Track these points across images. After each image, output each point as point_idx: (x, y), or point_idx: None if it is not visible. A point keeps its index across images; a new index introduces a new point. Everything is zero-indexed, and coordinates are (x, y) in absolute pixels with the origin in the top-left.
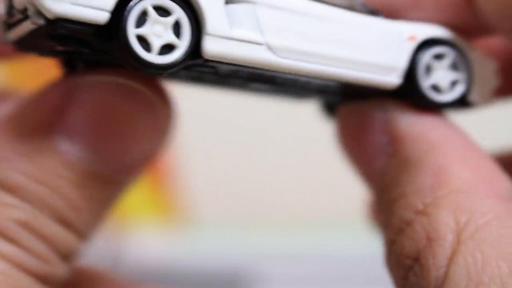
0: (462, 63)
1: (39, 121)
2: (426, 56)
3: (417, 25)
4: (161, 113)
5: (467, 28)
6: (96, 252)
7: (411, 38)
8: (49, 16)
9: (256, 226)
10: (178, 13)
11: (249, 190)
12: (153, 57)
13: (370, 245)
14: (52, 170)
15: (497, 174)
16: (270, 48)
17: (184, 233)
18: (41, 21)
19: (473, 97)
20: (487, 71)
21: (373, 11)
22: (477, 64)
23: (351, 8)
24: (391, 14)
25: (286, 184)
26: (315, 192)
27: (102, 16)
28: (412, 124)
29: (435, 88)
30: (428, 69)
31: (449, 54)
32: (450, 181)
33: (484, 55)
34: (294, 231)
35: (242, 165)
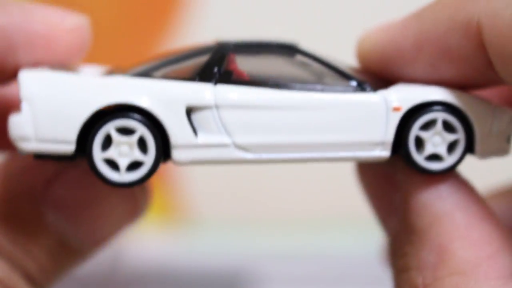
0: (458, 122)
1: (28, 190)
2: (414, 129)
3: (405, 90)
4: (138, 199)
5: (478, 79)
6: (96, 252)
7: (396, 109)
8: (22, 153)
9: (256, 226)
10: (141, 130)
11: (250, 190)
12: (121, 177)
13: (370, 245)
14: (32, 236)
15: (501, 249)
16: (238, 147)
17: (184, 233)
18: (22, 152)
19: (483, 149)
20: (499, 121)
21: (360, 84)
22: (483, 115)
23: (327, 87)
24: (394, 65)
25: (286, 184)
26: (316, 192)
27: (68, 148)
28: (420, 191)
29: (432, 157)
30: (420, 141)
31: (441, 117)
32: (451, 261)
33: (491, 104)
34: (295, 231)
35: (242, 165)
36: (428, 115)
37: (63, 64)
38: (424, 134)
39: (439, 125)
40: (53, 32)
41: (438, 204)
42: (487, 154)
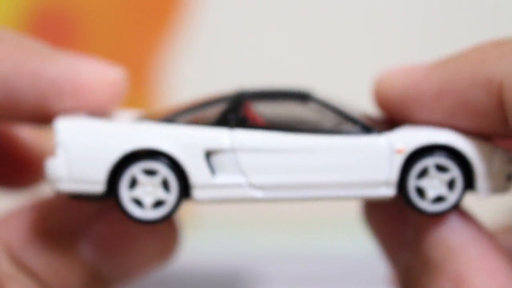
0: (450, 161)
1: (70, 225)
2: (412, 181)
3: (409, 133)
4: (168, 240)
5: (492, 132)
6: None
7: (399, 151)
8: (56, 192)
9: (257, 226)
10: (164, 172)
11: None
12: (146, 214)
13: (370, 246)
14: (69, 267)
15: None
16: (254, 187)
17: (183, 234)
18: (57, 192)
19: (484, 187)
20: (499, 161)
21: (367, 127)
22: (483, 155)
23: (336, 131)
24: (412, 109)
25: None
26: None
27: (98, 188)
28: (432, 226)
29: (436, 199)
30: (420, 190)
31: (431, 163)
32: None
33: (490, 144)
34: (296, 231)
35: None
36: (420, 165)
37: (99, 109)
38: (422, 183)
39: (432, 170)
40: (97, 84)
41: (451, 237)
42: (488, 192)
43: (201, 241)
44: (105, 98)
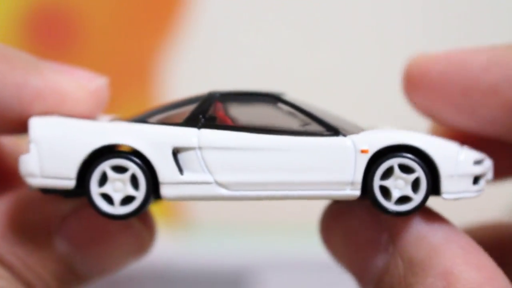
0: (413, 162)
1: (45, 221)
2: (376, 181)
3: (374, 134)
4: (143, 236)
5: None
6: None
7: (364, 151)
8: (30, 187)
9: (254, 230)
10: (133, 168)
11: None
12: (115, 210)
13: None
14: (42, 260)
15: (497, 272)
16: (220, 185)
17: (183, 237)
18: (30, 187)
19: (448, 190)
20: (465, 163)
21: (333, 129)
22: (448, 156)
23: (302, 132)
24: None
25: None
26: None
27: (69, 184)
28: (410, 226)
29: (401, 199)
30: (386, 190)
31: (395, 163)
32: (458, 284)
33: (458, 145)
34: (293, 236)
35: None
36: (384, 165)
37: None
38: (387, 183)
39: (396, 171)
40: (80, 94)
41: (433, 235)
42: (453, 194)
43: (199, 245)
44: (88, 107)
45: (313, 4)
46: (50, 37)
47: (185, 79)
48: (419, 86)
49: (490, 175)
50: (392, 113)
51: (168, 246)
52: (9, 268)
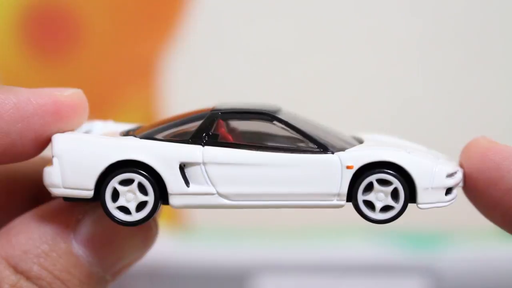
0: (391, 176)
1: (63, 228)
2: (359, 196)
3: (359, 151)
4: (152, 234)
5: None
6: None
7: (349, 167)
8: (53, 196)
9: (253, 235)
10: (138, 178)
11: None
12: (133, 217)
13: (369, 254)
14: (65, 268)
15: None
16: (221, 195)
17: (182, 240)
18: (53, 195)
19: (423, 200)
20: (439, 176)
21: (322, 146)
22: (424, 173)
23: (295, 149)
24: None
25: None
26: None
27: (88, 194)
28: None
29: (384, 208)
30: (370, 203)
31: (368, 179)
32: None
33: (434, 159)
34: (295, 240)
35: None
36: (364, 182)
37: (88, 124)
38: (369, 197)
39: (376, 185)
40: (58, 99)
41: None
42: (427, 205)
43: (200, 248)
44: (70, 110)
45: (316, 9)
46: (50, 39)
47: (186, 80)
48: (495, 189)
49: (461, 183)
50: (388, 116)
51: (169, 248)
52: (37, 280)
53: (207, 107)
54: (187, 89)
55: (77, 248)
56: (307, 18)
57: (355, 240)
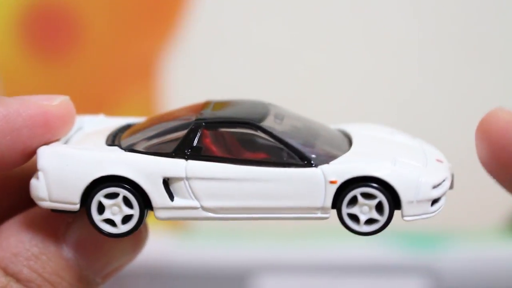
0: (375, 189)
1: (53, 231)
2: (344, 210)
3: (343, 166)
4: (142, 237)
5: None
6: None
7: (332, 182)
8: (40, 207)
9: (256, 234)
10: (123, 192)
11: None
12: (119, 229)
13: (369, 254)
14: (55, 270)
15: None
16: (205, 209)
17: (182, 240)
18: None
19: (409, 213)
20: (424, 188)
21: (305, 159)
22: (409, 186)
23: (277, 163)
24: None
25: None
26: None
27: (74, 207)
28: None
29: (369, 221)
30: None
31: (357, 192)
32: None
33: (419, 171)
34: (295, 240)
35: None
36: (348, 196)
37: (79, 120)
38: (354, 210)
39: (360, 199)
40: (47, 109)
41: None
42: (412, 217)
43: (200, 249)
44: (58, 119)
45: (315, 8)
46: (50, 38)
47: (186, 79)
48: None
49: (451, 186)
50: (387, 113)
51: (169, 248)
52: (27, 282)
53: (199, 103)
54: (187, 89)
55: (67, 251)
56: (307, 17)
57: (355, 240)
